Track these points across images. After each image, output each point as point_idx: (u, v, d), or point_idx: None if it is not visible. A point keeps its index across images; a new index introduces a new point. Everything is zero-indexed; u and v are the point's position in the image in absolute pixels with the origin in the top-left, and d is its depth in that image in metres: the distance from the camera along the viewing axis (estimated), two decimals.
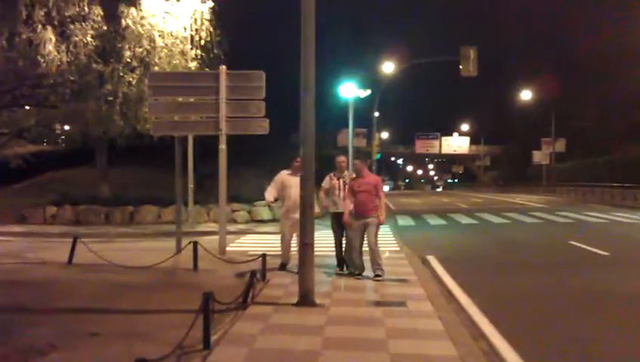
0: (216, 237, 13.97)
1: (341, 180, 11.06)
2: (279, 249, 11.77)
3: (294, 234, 10.73)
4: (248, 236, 18.97)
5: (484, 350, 6.70)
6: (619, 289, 10.19)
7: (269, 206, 11.90)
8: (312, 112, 8.80)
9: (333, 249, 11.25)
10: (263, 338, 6.85)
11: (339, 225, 10.96)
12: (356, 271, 10.55)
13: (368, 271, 10.56)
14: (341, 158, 11.50)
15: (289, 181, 10.96)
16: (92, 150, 25.61)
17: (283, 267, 11.31)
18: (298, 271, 8.91)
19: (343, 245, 11.05)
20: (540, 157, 62.58)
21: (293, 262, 10.69)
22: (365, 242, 10.53)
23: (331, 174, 11.25)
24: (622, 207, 32.91)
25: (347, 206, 10.50)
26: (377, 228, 10.49)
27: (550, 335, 7.49)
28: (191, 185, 19.96)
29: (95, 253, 12.36)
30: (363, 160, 11.52)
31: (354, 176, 10.85)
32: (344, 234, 10.93)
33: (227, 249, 13.53)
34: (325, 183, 11.28)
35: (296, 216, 9.41)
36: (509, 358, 6.45)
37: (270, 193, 11.41)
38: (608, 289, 10.24)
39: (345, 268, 11.04)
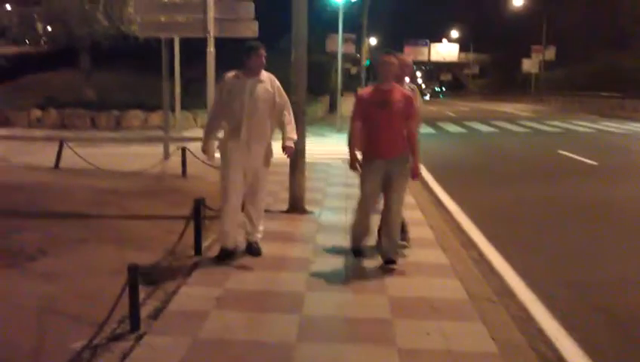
0: None
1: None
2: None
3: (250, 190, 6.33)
4: None
5: (473, 258, 6.75)
6: (605, 197, 10.31)
7: (205, 152, 6.53)
8: (305, 14, 8.54)
9: (323, 154, 10.94)
10: None
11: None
12: (356, 244, 6.43)
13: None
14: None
15: (237, 87, 6.12)
16: (76, 52, 24.98)
17: (225, 255, 6.23)
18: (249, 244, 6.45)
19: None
20: (529, 65, 62.11)
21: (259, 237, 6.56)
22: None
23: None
24: (610, 116, 32.94)
25: (355, 139, 6.01)
26: (406, 181, 6.13)
27: (538, 242, 7.56)
28: (178, 90, 19.58)
29: (82, 158, 12.22)
30: (393, 56, 6.02)
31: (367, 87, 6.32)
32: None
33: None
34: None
35: (253, 146, 6.17)
36: (498, 265, 6.51)
37: (212, 124, 6.49)
38: (595, 196, 10.38)
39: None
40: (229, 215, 6.21)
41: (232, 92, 6.13)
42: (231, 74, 6.26)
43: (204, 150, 6.45)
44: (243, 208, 6.37)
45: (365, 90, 6.14)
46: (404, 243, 6.70)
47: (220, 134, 6.50)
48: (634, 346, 4.69)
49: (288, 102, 6.42)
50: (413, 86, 6.70)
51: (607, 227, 8.44)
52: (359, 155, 6.06)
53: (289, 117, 6.38)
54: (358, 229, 6.35)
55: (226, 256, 6.21)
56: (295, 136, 6.42)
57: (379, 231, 6.46)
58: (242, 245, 6.50)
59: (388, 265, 5.98)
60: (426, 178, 12.08)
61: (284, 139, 6.35)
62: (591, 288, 5.87)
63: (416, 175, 6.11)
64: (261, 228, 6.48)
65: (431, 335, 4.49)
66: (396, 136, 5.91)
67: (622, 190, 11.14)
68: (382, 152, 5.91)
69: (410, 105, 5.89)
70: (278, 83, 6.31)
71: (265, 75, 6.24)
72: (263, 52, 6.12)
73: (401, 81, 6.35)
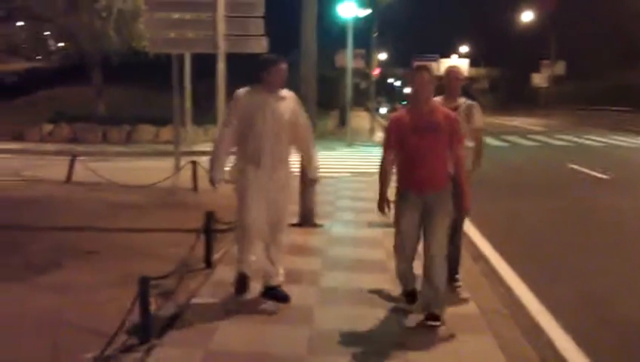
0: None
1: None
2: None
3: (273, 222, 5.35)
4: None
5: (483, 270, 6.74)
6: (616, 210, 10.30)
7: (213, 182, 5.45)
8: (313, 29, 8.60)
9: (333, 168, 11.01)
10: None
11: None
12: (407, 288, 5.32)
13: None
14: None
15: (256, 104, 5.17)
16: (87, 67, 25.23)
17: (241, 286, 5.49)
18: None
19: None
20: (538, 79, 61.99)
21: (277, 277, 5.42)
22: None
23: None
24: (620, 130, 32.79)
25: (386, 173, 5.13)
26: (449, 219, 5.11)
27: (547, 255, 7.54)
28: (188, 105, 19.66)
29: (93, 172, 12.30)
30: (430, 72, 5.01)
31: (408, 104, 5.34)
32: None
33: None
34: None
35: (276, 172, 5.25)
36: (508, 278, 6.50)
37: (220, 148, 5.42)
38: (606, 209, 10.40)
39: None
40: (248, 251, 5.37)
41: (250, 110, 5.14)
42: (244, 90, 5.27)
43: (213, 179, 5.42)
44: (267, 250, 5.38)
45: (399, 114, 5.14)
46: (458, 283, 5.87)
47: (230, 160, 5.55)
48: None
49: (310, 125, 5.57)
50: (472, 103, 5.87)
51: (618, 240, 8.43)
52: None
53: (313, 148, 5.58)
54: (401, 275, 5.29)
55: (240, 287, 5.48)
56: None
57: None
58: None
59: (428, 322, 4.89)
60: None
61: (308, 169, 5.68)
62: (601, 300, 5.85)
63: (467, 208, 5.25)
64: (281, 270, 5.46)
65: (442, 350, 4.48)
66: (437, 168, 4.92)
67: (633, 203, 11.11)
68: (419, 187, 4.92)
69: (455, 128, 4.94)
70: (299, 101, 5.43)
71: (285, 91, 5.31)
72: (284, 66, 5.21)
73: (454, 96, 5.78)
